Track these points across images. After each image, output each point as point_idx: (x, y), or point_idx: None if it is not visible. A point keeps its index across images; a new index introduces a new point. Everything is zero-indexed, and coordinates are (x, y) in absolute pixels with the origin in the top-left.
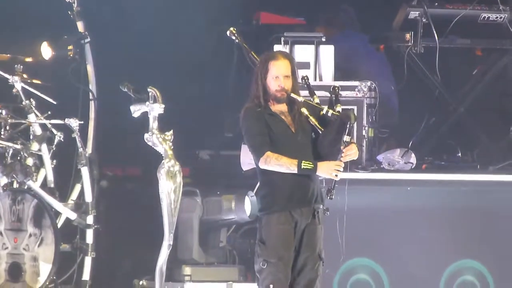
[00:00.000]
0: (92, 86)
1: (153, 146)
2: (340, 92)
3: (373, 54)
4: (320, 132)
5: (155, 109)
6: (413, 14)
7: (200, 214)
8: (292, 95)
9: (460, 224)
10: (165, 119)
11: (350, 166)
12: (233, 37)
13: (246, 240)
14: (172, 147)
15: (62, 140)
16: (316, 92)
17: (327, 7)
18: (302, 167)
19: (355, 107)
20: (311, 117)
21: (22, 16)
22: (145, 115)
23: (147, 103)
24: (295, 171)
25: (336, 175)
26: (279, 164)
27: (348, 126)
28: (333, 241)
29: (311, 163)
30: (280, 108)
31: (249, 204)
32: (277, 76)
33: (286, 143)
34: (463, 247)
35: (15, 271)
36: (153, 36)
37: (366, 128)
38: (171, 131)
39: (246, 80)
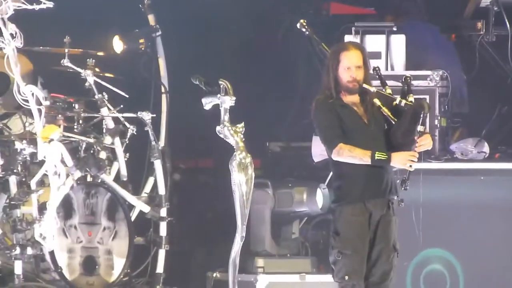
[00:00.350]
0: (164, 79)
1: (224, 139)
2: (412, 82)
3: (442, 44)
4: (393, 122)
5: (226, 102)
6: (485, 2)
7: (271, 206)
8: (364, 85)
9: None
10: (236, 111)
11: (424, 156)
12: (303, 29)
13: (319, 232)
14: (244, 139)
15: (135, 133)
16: (388, 82)
17: None
18: (376, 158)
19: (427, 97)
20: (383, 108)
21: (93, 10)
22: (216, 107)
23: (218, 95)
24: (369, 162)
25: (410, 166)
26: (352, 155)
27: (422, 115)
28: (408, 232)
29: (385, 154)
30: (352, 99)
31: (321, 196)
32: (349, 67)
33: (359, 135)
34: None
35: (89, 264)
36: (223, 28)
37: (439, 118)
38: (242, 124)
39: (316, 72)
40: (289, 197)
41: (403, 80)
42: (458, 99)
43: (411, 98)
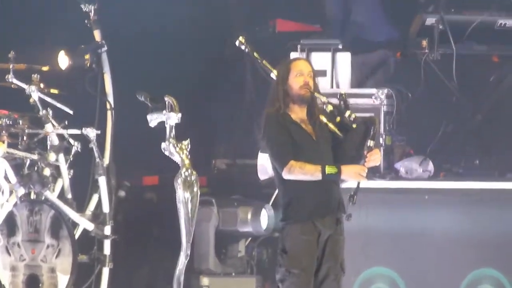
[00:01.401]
0: (109, 96)
1: (170, 156)
2: (357, 100)
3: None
4: (340, 138)
5: (172, 118)
6: (430, 20)
7: (216, 224)
8: (316, 94)
9: (477, 233)
10: (182, 127)
11: (369, 175)
12: (243, 46)
13: (264, 250)
14: (189, 156)
15: (79, 150)
16: (331, 99)
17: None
18: (327, 172)
19: (372, 114)
20: (329, 124)
21: (38, 24)
22: (162, 124)
23: (164, 112)
24: (320, 178)
25: (362, 176)
26: (304, 172)
27: (372, 131)
28: (353, 250)
29: (335, 167)
30: (300, 116)
31: (266, 217)
32: (301, 72)
33: (308, 152)
34: (482, 256)
35: (33, 282)
36: (169, 44)
37: (384, 136)
38: (188, 140)
39: (260, 89)
40: (233, 216)
41: (339, 96)
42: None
43: (348, 114)
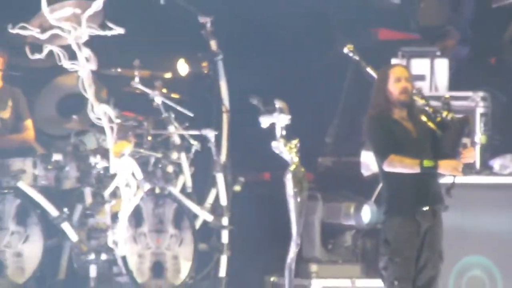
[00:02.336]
0: (225, 100)
1: (280, 154)
2: (453, 102)
3: None
4: (438, 136)
5: (282, 120)
6: None
7: (320, 217)
8: (415, 97)
9: None
10: (291, 128)
11: (464, 170)
12: (351, 54)
13: (368, 240)
14: (298, 154)
15: (199, 149)
16: (432, 102)
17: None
18: (424, 165)
19: (466, 115)
20: (429, 123)
21: (160, 34)
22: (272, 125)
23: (275, 114)
24: (418, 170)
25: (458, 170)
26: (403, 165)
27: (466, 130)
28: (450, 238)
29: (432, 161)
30: (400, 114)
31: (368, 212)
32: (399, 78)
33: (408, 148)
34: None
35: (158, 268)
36: (278, 51)
37: (479, 135)
38: (297, 140)
39: (364, 92)
40: (338, 210)
41: (443, 100)
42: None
43: (446, 114)
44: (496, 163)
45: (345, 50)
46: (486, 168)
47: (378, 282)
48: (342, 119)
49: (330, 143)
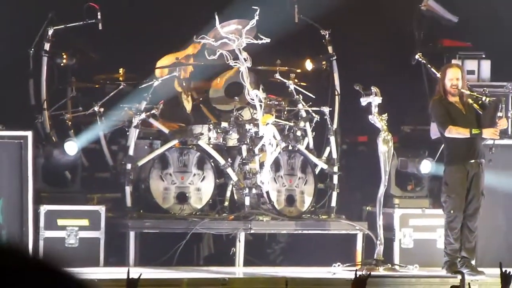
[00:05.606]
0: (337, 86)
1: (374, 124)
2: (493, 89)
3: None
4: (481, 113)
5: (376, 100)
6: None
7: (396, 166)
8: (462, 90)
9: None
10: (383, 105)
11: (500, 135)
12: (420, 59)
13: (434, 182)
14: (386, 124)
15: (318, 120)
16: (476, 89)
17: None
18: (473, 132)
19: (503, 98)
20: (474, 104)
21: (294, 42)
22: (369, 104)
23: (371, 96)
24: (468, 136)
25: (496, 135)
26: (458, 132)
27: (500, 106)
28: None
29: (478, 129)
30: (454, 99)
31: (426, 165)
32: (451, 78)
33: (460, 121)
34: None
35: (290, 200)
36: (370, 53)
37: (511, 111)
38: (386, 114)
39: (432, 83)
40: (407, 163)
41: (483, 91)
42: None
43: (485, 98)
44: None
45: (416, 56)
46: None
47: (440, 211)
48: (419, 102)
49: (409, 117)
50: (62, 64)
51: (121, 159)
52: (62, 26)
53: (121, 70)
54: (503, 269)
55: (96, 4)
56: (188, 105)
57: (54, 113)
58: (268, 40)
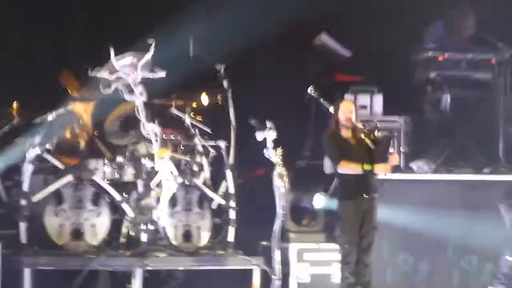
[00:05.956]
0: (233, 121)
1: (269, 158)
2: (385, 124)
3: None
4: (373, 148)
5: (271, 135)
6: None
7: (291, 201)
8: (355, 123)
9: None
10: (277, 140)
11: (393, 169)
12: (312, 93)
13: (328, 217)
14: (281, 158)
15: (215, 154)
16: (368, 124)
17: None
18: (365, 168)
19: (395, 134)
20: (367, 139)
21: (190, 76)
22: (265, 138)
23: (266, 131)
24: (360, 171)
25: (388, 170)
26: (350, 168)
27: (391, 141)
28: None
29: (370, 165)
30: (347, 134)
31: (318, 199)
32: (344, 111)
33: (353, 156)
34: None
35: (187, 235)
36: (267, 88)
37: (403, 146)
38: (280, 148)
39: (320, 118)
40: (301, 197)
41: (375, 123)
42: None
43: (377, 133)
44: (414, 165)
45: (308, 89)
46: (408, 168)
47: (335, 246)
48: (311, 136)
49: (305, 152)
50: None
51: (15, 195)
52: None
53: (14, 104)
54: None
55: None
56: (82, 141)
57: None
58: (163, 73)
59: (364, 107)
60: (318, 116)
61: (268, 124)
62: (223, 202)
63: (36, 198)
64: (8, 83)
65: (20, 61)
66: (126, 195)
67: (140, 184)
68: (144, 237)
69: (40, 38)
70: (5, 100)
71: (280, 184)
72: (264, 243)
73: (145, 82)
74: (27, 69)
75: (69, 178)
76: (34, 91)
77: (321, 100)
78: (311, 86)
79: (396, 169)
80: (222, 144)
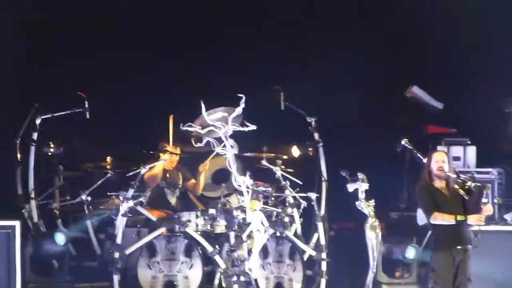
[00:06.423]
0: (324, 172)
1: (361, 209)
2: (479, 175)
3: None
4: (467, 198)
5: (363, 186)
6: None
7: (383, 252)
8: (448, 173)
9: None
10: (369, 191)
11: (486, 221)
12: (407, 145)
13: (422, 268)
14: (374, 210)
15: (306, 206)
16: (462, 176)
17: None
18: (458, 219)
19: (490, 184)
20: (460, 189)
21: (281, 128)
22: (356, 190)
23: (358, 182)
24: (453, 223)
25: (482, 221)
26: (443, 219)
27: (485, 192)
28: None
29: (463, 216)
30: (440, 185)
31: (411, 251)
32: (437, 160)
33: (446, 207)
34: None
35: (279, 287)
36: (357, 141)
37: (496, 198)
38: (373, 200)
39: (413, 170)
40: (393, 249)
41: (470, 174)
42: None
43: (471, 183)
44: (508, 216)
45: (403, 142)
46: (502, 220)
47: None
48: (405, 188)
49: (399, 203)
50: (49, 153)
51: (108, 248)
52: (49, 116)
53: (108, 158)
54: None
55: (84, 93)
56: (172, 199)
57: (42, 203)
58: (254, 127)
59: (457, 158)
60: (411, 167)
61: (359, 175)
62: (314, 253)
63: (129, 250)
64: (101, 137)
65: (115, 114)
66: (218, 247)
67: (231, 235)
68: None
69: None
70: (99, 154)
71: (373, 235)
72: None
73: (236, 135)
74: (119, 124)
75: (161, 230)
76: (126, 144)
77: (415, 151)
78: (404, 137)
79: (490, 220)
80: (313, 195)
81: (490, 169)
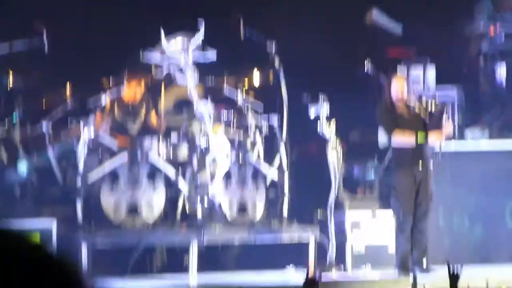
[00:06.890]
0: (285, 95)
1: (322, 131)
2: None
3: None
4: (426, 120)
5: (324, 108)
6: None
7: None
8: (407, 99)
9: None
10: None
11: (447, 138)
12: (368, 67)
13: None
14: (335, 130)
15: (268, 129)
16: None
17: None
18: (419, 136)
19: (450, 103)
20: (421, 112)
21: (241, 54)
22: (317, 111)
23: (319, 103)
24: (414, 141)
25: (442, 138)
26: (404, 137)
27: (444, 112)
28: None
29: (423, 137)
30: (401, 109)
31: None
32: (396, 90)
33: (406, 126)
34: None
35: (242, 209)
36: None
37: (456, 115)
38: (334, 120)
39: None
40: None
41: (431, 99)
42: None
43: (435, 104)
44: (469, 132)
45: (365, 63)
46: (462, 137)
47: (390, 214)
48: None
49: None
50: (8, 84)
51: (71, 175)
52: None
53: (67, 86)
54: (451, 268)
55: (40, 24)
56: (134, 126)
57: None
58: (214, 51)
59: (417, 81)
60: (371, 90)
61: (321, 96)
62: (277, 176)
63: (92, 177)
64: (61, 66)
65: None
66: (181, 173)
67: (194, 161)
68: (199, 212)
69: None
70: (59, 83)
71: (334, 156)
72: (319, 214)
73: (196, 60)
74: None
75: (124, 156)
76: (85, 71)
77: (375, 74)
78: (366, 60)
79: (450, 137)
80: (275, 118)
81: (449, 87)
